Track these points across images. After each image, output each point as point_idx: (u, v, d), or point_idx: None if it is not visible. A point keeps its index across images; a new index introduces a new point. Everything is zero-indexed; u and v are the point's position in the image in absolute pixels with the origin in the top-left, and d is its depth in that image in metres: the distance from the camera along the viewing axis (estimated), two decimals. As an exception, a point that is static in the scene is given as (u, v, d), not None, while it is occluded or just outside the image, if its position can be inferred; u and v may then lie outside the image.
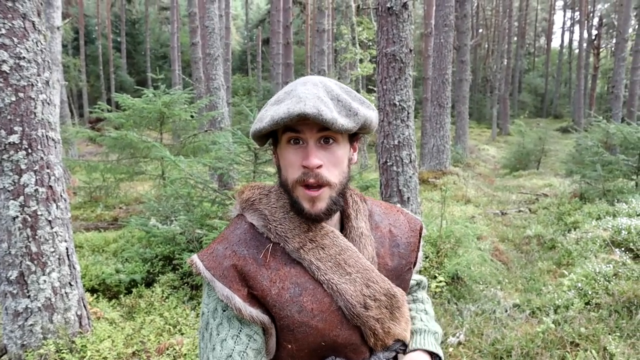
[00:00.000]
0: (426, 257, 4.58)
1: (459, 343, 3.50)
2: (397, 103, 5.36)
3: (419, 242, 1.14)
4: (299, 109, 0.83)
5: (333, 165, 0.91)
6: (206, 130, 8.10)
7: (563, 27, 39.86)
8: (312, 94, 0.86)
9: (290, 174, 0.91)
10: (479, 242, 5.65)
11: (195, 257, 0.94)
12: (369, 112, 0.94)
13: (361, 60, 12.01)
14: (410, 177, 5.57)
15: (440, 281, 4.36)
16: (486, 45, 33.25)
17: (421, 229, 1.15)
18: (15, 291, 2.72)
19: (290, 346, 0.92)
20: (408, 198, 5.54)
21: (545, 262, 5.22)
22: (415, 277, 1.26)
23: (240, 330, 0.89)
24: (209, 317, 0.92)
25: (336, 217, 1.02)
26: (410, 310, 1.16)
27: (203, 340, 0.92)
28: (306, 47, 25.77)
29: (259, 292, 0.90)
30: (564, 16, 40.94)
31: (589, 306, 3.73)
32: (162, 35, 35.06)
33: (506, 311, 4.03)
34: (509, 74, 27.66)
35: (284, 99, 0.89)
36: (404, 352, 1.05)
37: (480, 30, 35.33)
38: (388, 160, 5.56)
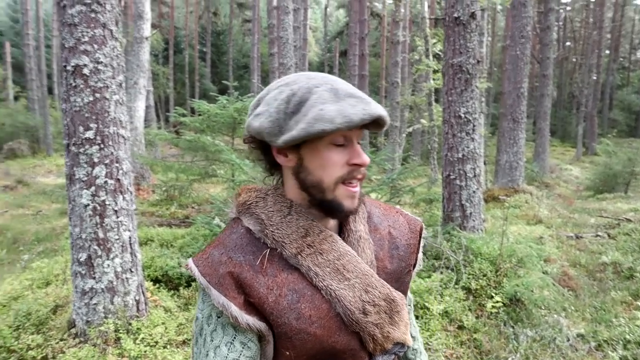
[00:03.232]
0: (484, 275, 4.41)
1: (510, 368, 3.34)
2: (462, 115, 5.24)
3: (419, 243, 1.12)
4: (374, 110, 0.86)
5: None
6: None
7: (665, 40, 36.57)
8: (363, 93, 0.90)
9: (331, 174, 0.90)
10: (546, 264, 5.33)
11: (190, 261, 0.93)
12: None
13: (435, 72, 11.82)
14: (474, 192, 5.41)
15: (497, 301, 4.18)
16: (574, 59, 31.26)
17: (421, 229, 1.13)
18: (83, 272, 3.00)
19: (288, 353, 0.91)
20: (470, 213, 5.38)
21: (620, 292, 4.82)
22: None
23: (235, 338, 0.89)
24: (203, 322, 0.92)
25: (334, 220, 1.00)
26: None
27: (197, 345, 0.92)
28: (382, 59, 25.78)
29: (255, 300, 0.89)
30: (667, 28, 37.58)
31: (665, 345, 3.40)
32: (244, 46, 36.63)
33: (568, 340, 3.78)
34: (597, 90, 25.80)
35: (337, 97, 0.87)
36: (403, 353, 1.04)
37: (568, 43, 33.31)
38: (451, 174, 5.44)
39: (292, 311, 0.88)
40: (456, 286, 4.29)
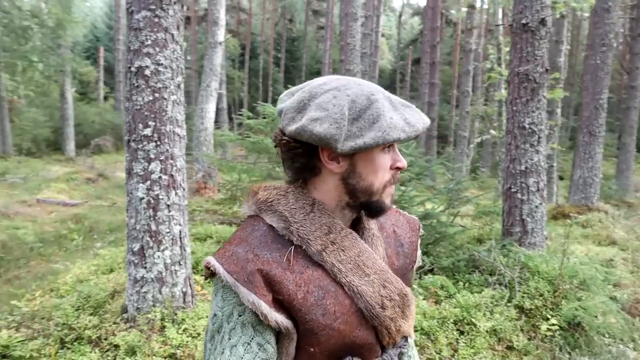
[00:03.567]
0: (540, 295, 4.16)
1: (561, 396, 3.12)
2: (527, 126, 5.00)
3: (418, 240, 1.17)
4: (427, 120, 0.93)
5: None
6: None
7: None
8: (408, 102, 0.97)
9: (381, 178, 0.95)
10: (615, 289, 4.93)
11: (211, 259, 0.92)
12: None
13: (507, 81, 11.36)
14: (537, 206, 5.13)
15: (553, 324, 3.92)
16: (671, 70, 28.62)
17: (419, 227, 1.19)
18: (136, 261, 3.20)
19: (312, 350, 0.93)
20: (532, 229, 5.11)
21: (701, 326, 4.35)
22: None
23: (252, 339, 0.89)
24: (223, 320, 0.91)
25: (348, 218, 1.02)
26: None
27: (211, 341, 0.92)
28: (454, 67, 25.12)
29: (285, 297, 0.89)
30: None
31: None
32: (318, 52, 37.19)
33: (632, 374, 3.48)
34: (697, 104, 23.45)
35: (393, 106, 0.92)
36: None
37: (664, 53, 30.61)
38: (512, 187, 5.20)
39: (319, 307, 0.91)
40: (508, 304, 4.09)
